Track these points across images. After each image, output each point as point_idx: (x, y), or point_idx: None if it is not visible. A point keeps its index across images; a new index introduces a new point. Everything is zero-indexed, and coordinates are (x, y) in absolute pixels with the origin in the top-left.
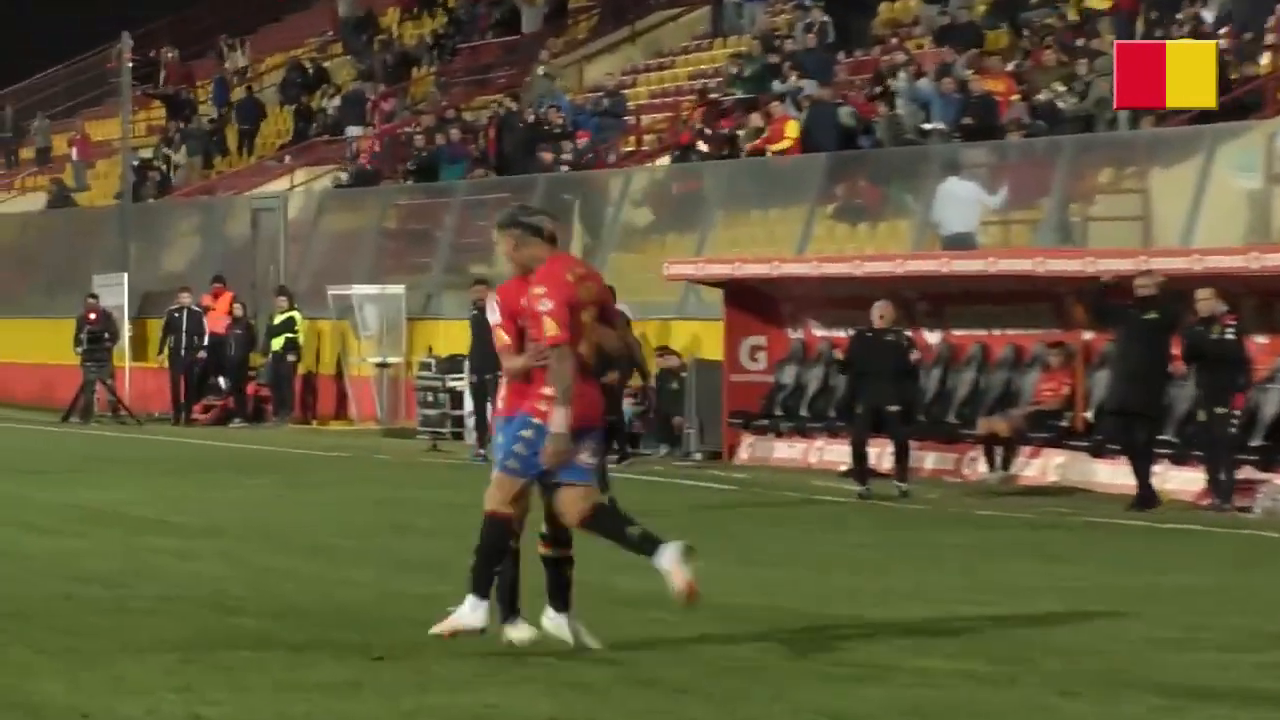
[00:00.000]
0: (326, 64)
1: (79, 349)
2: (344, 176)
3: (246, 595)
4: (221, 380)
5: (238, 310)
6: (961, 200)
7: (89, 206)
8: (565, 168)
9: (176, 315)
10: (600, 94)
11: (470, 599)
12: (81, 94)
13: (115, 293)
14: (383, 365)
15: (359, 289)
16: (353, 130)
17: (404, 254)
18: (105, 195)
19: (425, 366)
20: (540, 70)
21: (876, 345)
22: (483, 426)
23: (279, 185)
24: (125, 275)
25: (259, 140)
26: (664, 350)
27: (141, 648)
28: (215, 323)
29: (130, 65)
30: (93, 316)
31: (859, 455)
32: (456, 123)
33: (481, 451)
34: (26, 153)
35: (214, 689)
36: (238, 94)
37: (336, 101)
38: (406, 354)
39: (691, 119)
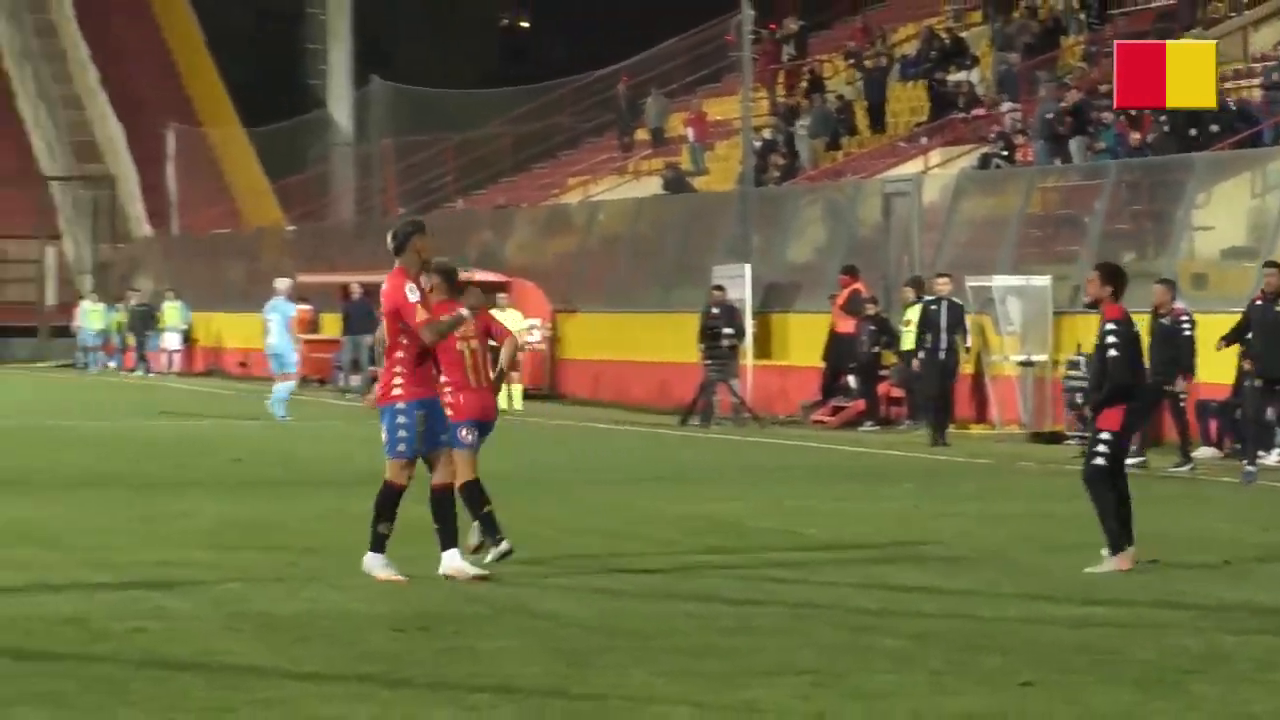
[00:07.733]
0: (963, 34)
1: (703, 346)
2: (987, 158)
3: (881, 614)
4: (851, 380)
5: (868, 305)
6: None
7: (707, 192)
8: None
9: (934, 309)
10: (1271, 63)
11: None
12: (699, 69)
13: (736, 285)
14: (1027, 364)
15: (1000, 280)
16: (1004, 106)
17: (1050, 242)
18: (724, 180)
19: (1073, 365)
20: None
21: None
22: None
23: (912, 167)
24: (747, 266)
25: (890, 118)
26: None
27: (769, 670)
28: (843, 319)
29: (751, 38)
30: (715, 311)
31: None
32: (1107, 97)
33: (1251, 468)
34: (641, 134)
35: (850, 717)
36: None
37: (975, 75)
38: (1052, 351)
39: None
